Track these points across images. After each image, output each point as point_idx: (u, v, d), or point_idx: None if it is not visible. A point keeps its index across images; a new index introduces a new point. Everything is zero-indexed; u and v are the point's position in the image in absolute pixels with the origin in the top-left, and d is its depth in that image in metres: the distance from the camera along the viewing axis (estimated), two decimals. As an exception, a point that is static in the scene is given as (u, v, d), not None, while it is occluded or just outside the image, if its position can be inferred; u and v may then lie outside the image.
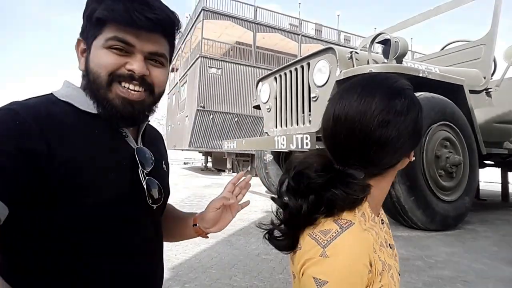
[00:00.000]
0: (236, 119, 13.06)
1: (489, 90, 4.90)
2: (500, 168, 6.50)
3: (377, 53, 4.66)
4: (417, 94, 3.55)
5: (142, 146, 0.65)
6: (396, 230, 3.48)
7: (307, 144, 4.04)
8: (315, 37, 16.27)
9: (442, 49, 5.82)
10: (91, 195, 0.52)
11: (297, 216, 0.55)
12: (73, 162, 0.51)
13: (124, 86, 0.57)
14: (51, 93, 0.59)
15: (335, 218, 0.53)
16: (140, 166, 0.61)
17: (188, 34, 15.31)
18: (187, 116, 13.33)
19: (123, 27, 0.55)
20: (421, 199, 3.32)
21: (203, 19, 12.82)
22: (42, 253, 0.52)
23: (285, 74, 4.87)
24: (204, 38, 12.64)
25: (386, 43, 3.95)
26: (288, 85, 4.80)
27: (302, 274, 0.52)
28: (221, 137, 12.37)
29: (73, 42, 0.62)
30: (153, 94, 0.62)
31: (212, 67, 12.67)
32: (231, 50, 15.50)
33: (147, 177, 0.62)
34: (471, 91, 4.31)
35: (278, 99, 5.04)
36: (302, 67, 4.48)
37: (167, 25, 0.59)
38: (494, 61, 5.14)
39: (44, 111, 0.53)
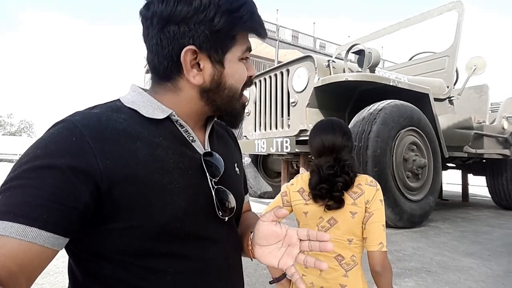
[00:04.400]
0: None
1: (452, 98, 5.30)
2: (460, 171, 7.02)
3: (350, 60, 4.93)
4: (388, 101, 3.83)
5: (210, 151, 0.60)
6: (368, 228, 3.72)
7: (287, 148, 4.22)
8: (292, 43, 16.62)
9: (410, 59, 6.23)
10: (153, 212, 0.48)
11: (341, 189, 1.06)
12: (134, 178, 0.47)
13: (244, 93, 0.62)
14: (118, 99, 0.57)
15: (365, 180, 1.09)
16: (207, 173, 0.56)
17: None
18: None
19: (248, 36, 0.58)
20: (391, 198, 3.57)
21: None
22: (101, 278, 0.48)
23: (265, 79, 5.03)
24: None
25: (360, 53, 4.20)
26: (267, 90, 4.95)
27: (373, 201, 1.03)
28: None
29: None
30: None
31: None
32: (209, 52, 15.47)
33: (216, 186, 0.57)
34: (436, 99, 4.68)
35: (258, 103, 5.18)
36: (282, 73, 4.66)
37: None
38: (457, 71, 5.58)
39: (105, 122, 0.49)
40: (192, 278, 0.52)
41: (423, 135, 4.08)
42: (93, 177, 0.44)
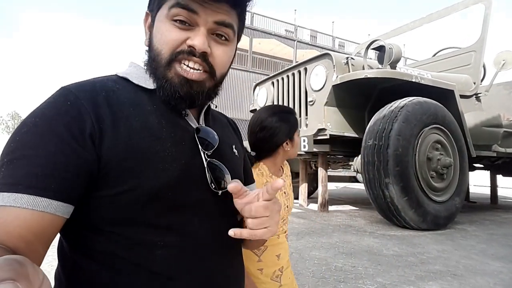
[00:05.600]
0: (232, 122, 13.33)
1: (479, 95, 5.07)
2: (489, 171, 6.69)
3: (370, 58, 4.82)
4: (410, 98, 3.70)
5: (204, 126, 0.59)
6: (389, 229, 3.61)
7: (304, 147, 4.16)
8: (310, 43, 16.49)
9: (434, 55, 6.01)
10: (144, 177, 0.47)
11: None
12: (126, 143, 0.47)
13: (184, 64, 0.53)
14: (115, 73, 0.57)
15: None
16: (200, 145, 0.55)
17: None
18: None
19: None
20: (414, 199, 3.44)
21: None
22: (89, 251, 0.47)
23: (283, 78, 4.99)
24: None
25: (380, 49, 4.10)
26: (285, 89, 4.92)
27: None
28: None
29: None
30: (214, 77, 0.56)
31: (208, 71, 12.93)
32: (228, 54, 15.67)
33: (208, 159, 0.55)
34: (462, 96, 4.48)
35: (275, 103, 5.16)
36: (299, 72, 4.61)
37: None
38: (484, 67, 5.33)
39: (100, 88, 0.50)
40: (182, 253, 0.50)
41: (448, 133, 3.92)
42: (92, 141, 0.45)
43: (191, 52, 0.52)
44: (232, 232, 0.49)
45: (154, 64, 0.54)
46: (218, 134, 0.60)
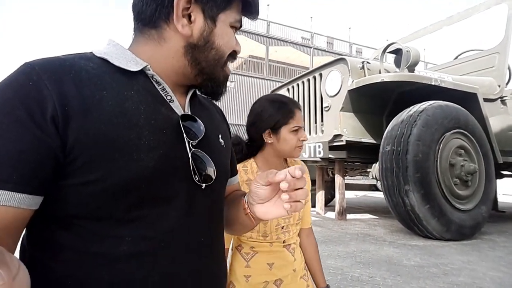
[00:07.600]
0: (249, 130, 13.41)
1: (504, 98, 4.84)
2: (519, 179, 6.34)
3: (389, 63, 4.71)
4: (430, 102, 3.57)
5: (189, 113, 0.55)
6: (410, 239, 3.45)
7: (319, 153, 4.09)
8: (327, 50, 16.40)
9: (456, 58, 5.81)
10: (115, 166, 0.43)
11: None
12: (96, 128, 0.43)
13: (227, 64, 0.60)
14: (91, 51, 0.52)
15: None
16: (185, 134, 0.51)
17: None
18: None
19: (244, 9, 0.58)
20: (436, 207, 3.28)
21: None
22: (51, 244, 0.44)
23: (298, 85, 4.96)
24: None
25: (397, 52, 4.00)
26: (300, 95, 4.88)
27: None
28: (234, 148, 12.63)
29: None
30: None
31: (225, 80, 13.19)
32: (244, 63, 15.82)
33: (193, 149, 0.52)
34: (486, 100, 4.28)
35: (291, 109, 5.12)
36: (315, 77, 4.56)
37: None
38: (509, 69, 5.10)
39: (69, 66, 0.45)
40: (152, 250, 0.46)
41: (472, 138, 3.73)
42: (55, 125, 0.40)
43: (234, 55, 0.59)
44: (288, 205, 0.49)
45: (214, 62, 0.56)
46: (205, 122, 0.56)
